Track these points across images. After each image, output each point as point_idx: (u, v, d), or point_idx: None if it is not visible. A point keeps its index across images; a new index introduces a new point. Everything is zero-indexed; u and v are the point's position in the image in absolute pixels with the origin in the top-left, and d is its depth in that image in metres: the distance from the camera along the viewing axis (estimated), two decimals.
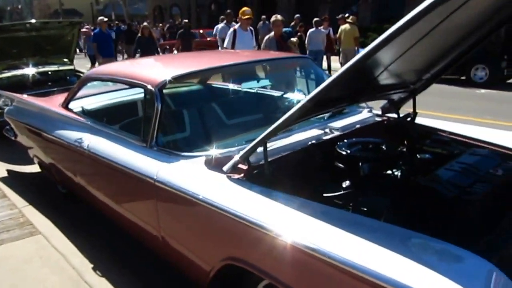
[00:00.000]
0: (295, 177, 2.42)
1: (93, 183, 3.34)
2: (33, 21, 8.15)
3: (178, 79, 2.83)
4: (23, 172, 5.31)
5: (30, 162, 4.80)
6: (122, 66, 3.65)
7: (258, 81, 3.30)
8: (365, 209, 2.07)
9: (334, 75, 1.77)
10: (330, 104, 2.42)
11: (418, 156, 2.50)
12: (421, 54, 2.57)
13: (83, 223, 3.85)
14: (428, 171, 2.29)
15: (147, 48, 10.05)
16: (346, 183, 2.35)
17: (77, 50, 24.98)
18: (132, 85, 3.02)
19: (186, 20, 13.98)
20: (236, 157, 2.22)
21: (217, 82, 3.62)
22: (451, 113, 7.56)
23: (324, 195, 2.27)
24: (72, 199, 4.03)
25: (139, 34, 10.43)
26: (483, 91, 10.08)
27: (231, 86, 3.47)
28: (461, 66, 11.11)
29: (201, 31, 19.32)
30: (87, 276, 2.98)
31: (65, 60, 7.78)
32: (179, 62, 3.51)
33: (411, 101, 3.02)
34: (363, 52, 1.66)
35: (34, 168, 4.97)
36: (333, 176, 2.43)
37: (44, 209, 4.11)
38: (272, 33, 7.20)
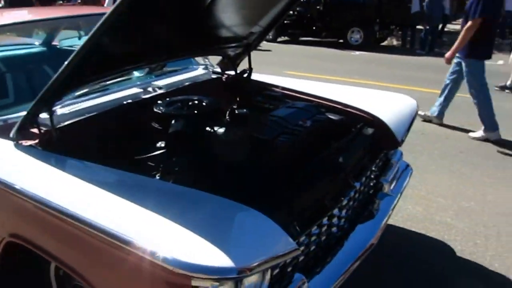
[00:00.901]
0: (102, 140, 2.20)
1: None
2: None
3: None
4: None
5: None
6: None
7: (80, 38, 2.96)
8: (166, 170, 1.92)
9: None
10: (137, 59, 2.21)
11: (237, 112, 2.40)
12: (243, 6, 2.45)
13: None
14: (241, 126, 2.20)
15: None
16: (159, 144, 2.19)
17: None
18: None
19: None
20: (19, 121, 1.93)
21: (29, 39, 3.21)
22: (323, 74, 7.76)
23: (136, 158, 2.09)
24: None
25: None
26: (357, 53, 10.52)
27: (46, 43, 3.07)
28: (340, 29, 11.51)
29: None
30: None
31: None
32: None
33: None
34: None
35: None
36: (149, 137, 2.25)
37: None
38: None
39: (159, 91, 2.62)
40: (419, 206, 3.21)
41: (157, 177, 1.89)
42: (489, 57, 4.70)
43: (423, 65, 8.87)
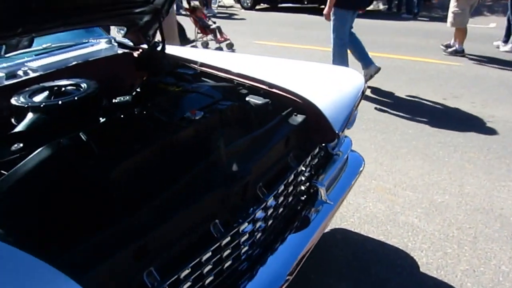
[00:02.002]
0: None
1: None
2: None
3: None
4: None
5: None
6: None
7: None
8: None
9: None
10: None
11: (117, 100, 1.80)
12: None
13: None
14: (110, 123, 1.62)
15: None
16: (16, 146, 1.61)
17: None
18: None
19: None
20: None
21: None
22: (294, 43, 7.11)
23: None
24: None
25: None
26: None
27: None
28: None
29: None
30: None
31: None
32: None
33: None
34: None
35: None
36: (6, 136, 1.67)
37: None
38: None
39: (33, 75, 2.03)
40: (381, 203, 2.65)
41: None
42: (357, 8, 4.72)
43: (408, 31, 8.20)
